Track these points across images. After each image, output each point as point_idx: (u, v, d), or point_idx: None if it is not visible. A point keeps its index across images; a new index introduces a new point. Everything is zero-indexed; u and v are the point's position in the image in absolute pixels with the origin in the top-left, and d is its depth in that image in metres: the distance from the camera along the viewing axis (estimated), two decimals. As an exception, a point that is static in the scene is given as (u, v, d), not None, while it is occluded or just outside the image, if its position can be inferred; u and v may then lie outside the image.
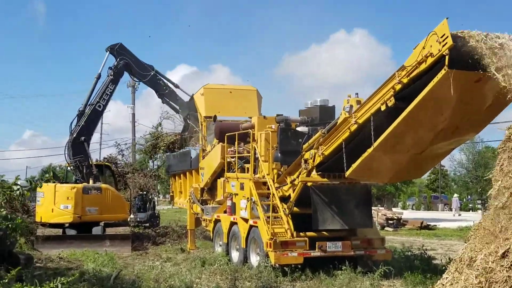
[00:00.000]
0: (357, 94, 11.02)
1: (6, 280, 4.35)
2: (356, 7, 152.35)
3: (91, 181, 18.00)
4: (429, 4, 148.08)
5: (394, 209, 40.86)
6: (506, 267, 4.96)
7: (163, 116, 22.17)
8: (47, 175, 44.01)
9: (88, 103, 18.73)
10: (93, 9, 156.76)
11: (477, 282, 4.99)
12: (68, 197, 17.13)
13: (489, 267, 5.05)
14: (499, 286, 4.83)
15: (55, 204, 17.15)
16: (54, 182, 18.06)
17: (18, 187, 5.35)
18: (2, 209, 4.84)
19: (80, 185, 17.63)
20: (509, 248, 5.08)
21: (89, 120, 18.60)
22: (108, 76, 19.05)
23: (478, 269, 5.07)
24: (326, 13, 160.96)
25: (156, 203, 27.13)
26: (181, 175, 19.69)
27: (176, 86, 20.11)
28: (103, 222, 17.68)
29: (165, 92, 19.88)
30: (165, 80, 20.10)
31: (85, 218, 17.23)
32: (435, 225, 28.35)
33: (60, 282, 4.43)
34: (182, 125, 20.40)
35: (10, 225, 5.27)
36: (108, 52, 19.31)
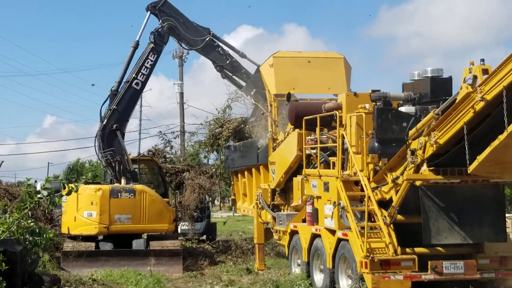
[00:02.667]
0: (483, 60, 10.83)
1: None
2: None
3: (123, 181, 18.31)
4: None
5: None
6: None
7: (231, 98, 22.26)
8: (83, 177, 45.40)
9: (123, 80, 19.12)
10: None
11: None
12: (92, 202, 17.49)
13: None
14: None
15: (77, 211, 17.53)
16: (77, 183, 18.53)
17: (49, 191, 5.53)
18: (30, 221, 5.01)
19: (106, 187, 17.98)
20: None
21: (124, 102, 18.95)
22: (148, 43, 19.41)
23: None
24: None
25: (211, 209, 27.41)
26: (245, 172, 19.91)
27: (242, 56, 20.33)
28: (145, 234, 18.09)
29: (225, 63, 20.09)
30: (225, 48, 20.29)
31: (114, 228, 17.63)
32: None
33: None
34: (252, 108, 20.41)
35: (36, 240, 5.47)
36: (149, 12, 19.64)
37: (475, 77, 10.66)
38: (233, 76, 20.26)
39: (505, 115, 9.60)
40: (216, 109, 23.75)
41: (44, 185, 5.58)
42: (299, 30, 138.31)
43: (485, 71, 10.52)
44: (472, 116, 10.37)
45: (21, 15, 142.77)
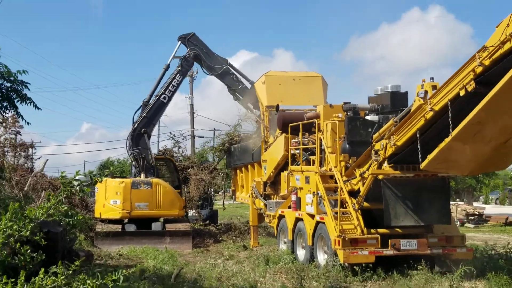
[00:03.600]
0: (432, 78, 10.82)
1: (70, 271, 4.57)
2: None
3: (142, 175, 18.38)
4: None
5: (475, 204, 39.79)
6: None
7: (241, 118, 21.75)
8: (107, 170, 45.39)
9: (154, 94, 19.14)
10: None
11: None
12: (117, 192, 17.57)
13: None
14: None
15: (106, 199, 17.66)
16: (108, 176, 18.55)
17: (78, 182, 5.56)
18: (63, 205, 5.05)
19: (129, 180, 18.06)
20: None
21: (153, 111, 18.99)
22: (177, 66, 19.43)
23: None
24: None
25: (213, 198, 27.21)
26: (243, 168, 19.86)
27: (252, 83, 19.74)
28: (162, 218, 18.09)
29: (237, 88, 19.84)
30: (239, 76, 20.02)
31: (135, 214, 17.62)
32: (523, 221, 27.47)
33: (122, 274, 4.60)
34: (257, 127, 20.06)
35: (70, 222, 5.51)
36: (179, 41, 19.66)
37: (426, 92, 10.62)
38: (244, 100, 19.74)
39: (450, 122, 9.62)
40: (228, 125, 23.50)
41: (75, 177, 5.62)
42: (286, 54, 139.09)
43: (434, 87, 10.50)
44: (424, 123, 10.39)
45: (63, 43, 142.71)
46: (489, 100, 8.72)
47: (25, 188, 18.25)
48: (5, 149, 20.07)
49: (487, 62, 8.81)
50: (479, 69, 8.94)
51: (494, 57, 8.66)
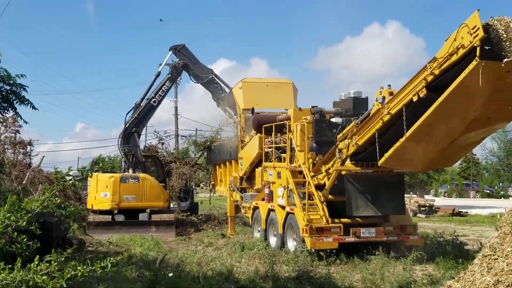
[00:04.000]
0: (389, 85, 10.93)
1: (63, 258, 4.53)
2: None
3: (131, 171, 18.20)
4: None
5: (426, 197, 40.28)
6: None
7: (222, 124, 21.50)
8: (97, 166, 44.91)
9: (145, 97, 18.98)
10: (140, 7, 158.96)
11: (509, 269, 4.87)
12: (107, 186, 17.38)
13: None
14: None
15: (97, 192, 17.46)
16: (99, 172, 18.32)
17: (71, 177, 5.50)
18: (57, 198, 5.00)
19: (118, 175, 17.88)
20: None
21: (143, 113, 18.85)
22: (167, 74, 19.28)
23: (509, 256, 4.95)
24: (361, 5, 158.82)
25: (194, 192, 26.98)
26: (221, 164, 19.80)
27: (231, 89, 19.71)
28: (149, 209, 17.95)
29: (220, 96, 19.67)
30: (222, 85, 19.86)
31: (123, 205, 17.43)
32: (467, 212, 27.87)
33: (110, 262, 4.56)
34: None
35: (63, 212, 5.45)
36: (171, 51, 19.51)
37: (384, 98, 10.70)
38: (226, 107, 19.52)
39: (404, 125, 9.67)
40: (210, 127, 23.43)
41: (67, 173, 5.57)
42: (261, 63, 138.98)
43: (391, 93, 10.57)
44: (381, 125, 10.43)
45: (60, 51, 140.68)
46: (439, 104, 8.79)
47: (24, 182, 17.98)
48: (5, 146, 19.75)
49: (437, 72, 8.89)
50: (430, 78, 9.02)
51: (443, 67, 8.75)
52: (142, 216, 17.57)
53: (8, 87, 9.26)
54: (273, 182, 14.04)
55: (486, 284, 4.90)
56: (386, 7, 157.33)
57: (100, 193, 17.42)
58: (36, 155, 30.05)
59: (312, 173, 12.75)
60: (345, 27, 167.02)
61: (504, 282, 4.80)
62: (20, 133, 20.75)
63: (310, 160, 12.95)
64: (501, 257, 5.06)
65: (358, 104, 13.17)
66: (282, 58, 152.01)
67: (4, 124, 19.01)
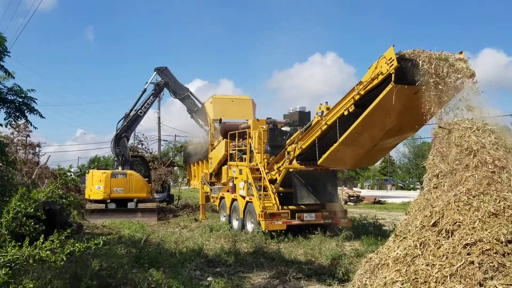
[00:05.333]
0: (326, 102, 10.99)
1: (63, 237, 4.43)
2: (328, 32, 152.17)
3: (120, 168, 17.94)
4: (387, 30, 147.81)
5: (354, 189, 40.89)
6: (436, 232, 5.00)
7: (193, 135, 21.32)
8: (92, 165, 43.76)
9: (133, 109, 18.68)
10: (132, 38, 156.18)
11: (414, 244, 5.03)
12: (100, 180, 17.07)
13: (423, 235, 5.06)
14: (430, 248, 4.86)
15: (92, 185, 17.16)
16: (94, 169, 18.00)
17: (71, 173, 5.40)
18: (60, 190, 4.90)
19: (109, 171, 17.58)
20: (438, 217, 5.12)
21: (131, 122, 18.53)
22: (151, 90, 18.98)
23: (414, 235, 5.11)
24: (306, 39, 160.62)
25: (171, 185, 26.53)
26: (195, 163, 19.64)
27: (203, 104, 19.15)
28: (136, 198, 17.63)
29: (194, 109, 19.42)
30: (196, 101, 19.58)
31: (113, 195, 17.16)
32: (385, 201, 28.40)
33: (102, 240, 4.48)
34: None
35: (65, 201, 5.32)
36: (155, 72, 19.22)
37: (322, 112, 10.70)
38: (198, 119, 19.33)
39: (338, 133, 9.74)
40: (187, 135, 23.23)
41: (68, 169, 5.46)
42: (228, 83, 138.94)
43: (327, 108, 10.63)
44: (320, 133, 10.50)
45: (63, 69, 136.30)
46: (363, 118, 8.87)
47: (32, 177, 17.50)
48: (18, 147, 19.20)
49: (362, 92, 8.99)
50: (357, 97, 9.11)
51: (367, 89, 8.85)
52: (130, 205, 17.25)
53: (20, 99, 8.97)
54: (236, 177, 14.02)
55: (397, 255, 5.05)
56: (326, 41, 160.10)
57: (95, 186, 17.09)
58: (43, 155, 29.09)
59: (266, 170, 12.79)
60: (294, 56, 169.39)
61: (410, 255, 4.96)
62: (30, 137, 20.23)
63: (265, 160, 12.99)
64: (408, 235, 5.21)
65: (303, 116, 13.27)
66: (245, 79, 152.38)
67: (17, 129, 18.52)
